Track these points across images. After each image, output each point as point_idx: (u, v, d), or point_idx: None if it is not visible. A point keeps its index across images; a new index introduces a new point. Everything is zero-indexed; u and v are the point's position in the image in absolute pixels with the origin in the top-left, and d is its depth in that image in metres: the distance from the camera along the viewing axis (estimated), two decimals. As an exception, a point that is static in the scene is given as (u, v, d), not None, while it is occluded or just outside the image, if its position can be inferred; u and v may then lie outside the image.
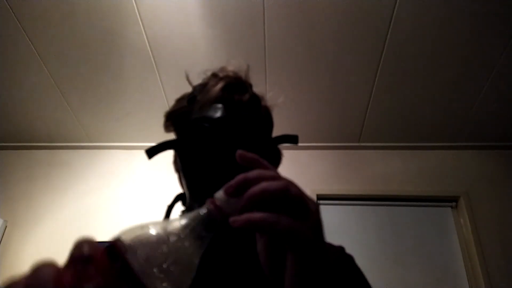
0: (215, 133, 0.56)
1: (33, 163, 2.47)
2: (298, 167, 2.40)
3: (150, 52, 1.90)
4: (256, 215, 0.32)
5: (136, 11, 1.72)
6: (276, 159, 0.66)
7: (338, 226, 2.22)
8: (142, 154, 2.62)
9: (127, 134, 2.43)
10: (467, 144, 2.37)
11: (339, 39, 1.80)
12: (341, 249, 0.61)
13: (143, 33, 1.81)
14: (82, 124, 2.35)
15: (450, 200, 2.25)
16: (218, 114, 0.58)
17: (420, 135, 2.34)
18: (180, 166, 0.61)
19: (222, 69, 0.65)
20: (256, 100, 0.64)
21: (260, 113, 0.63)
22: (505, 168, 2.31)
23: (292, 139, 0.62)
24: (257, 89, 0.66)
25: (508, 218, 2.15)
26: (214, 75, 0.64)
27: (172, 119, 0.66)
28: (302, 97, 2.12)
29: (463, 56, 1.85)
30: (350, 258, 0.60)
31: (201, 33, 1.81)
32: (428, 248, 2.13)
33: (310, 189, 2.28)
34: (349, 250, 0.61)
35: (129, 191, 2.35)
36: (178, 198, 0.64)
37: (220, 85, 0.60)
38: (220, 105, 0.59)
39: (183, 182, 0.61)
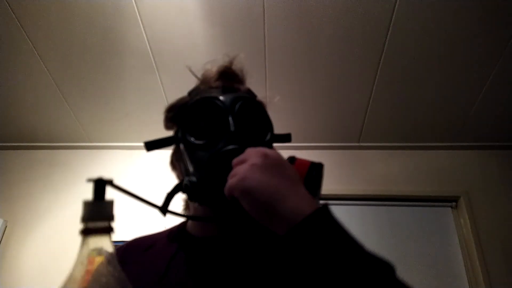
0: (217, 105, 0.58)
1: (33, 163, 2.46)
2: (298, 167, 2.39)
3: (150, 52, 1.90)
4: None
5: (136, 11, 1.72)
6: None
7: (338, 226, 2.22)
8: (142, 154, 2.60)
9: (127, 134, 2.43)
10: (467, 144, 2.36)
11: (339, 39, 1.80)
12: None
13: (143, 33, 1.81)
14: (82, 124, 2.35)
15: (450, 200, 2.25)
16: (219, 91, 0.61)
17: (420, 135, 2.34)
18: (185, 150, 0.59)
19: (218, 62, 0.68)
20: (251, 93, 0.66)
21: (256, 101, 0.64)
22: (505, 168, 2.30)
23: (285, 138, 0.63)
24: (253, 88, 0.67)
25: (508, 218, 2.15)
26: (210, 67, 0.67)
27: (175, 111, 0.65)
28: (302, 97, 2.12)
29: (462, 56, 1.85)
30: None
31: (201, 33, 1.81)
32: (428, 248, 2.13)
33: (310, 189, 2.28)
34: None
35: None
36: (178, 187, 0.60)
37: (215, 69, 0.64)
38: (219, 83, 0.63)
39: (188, 165, 0.59)
